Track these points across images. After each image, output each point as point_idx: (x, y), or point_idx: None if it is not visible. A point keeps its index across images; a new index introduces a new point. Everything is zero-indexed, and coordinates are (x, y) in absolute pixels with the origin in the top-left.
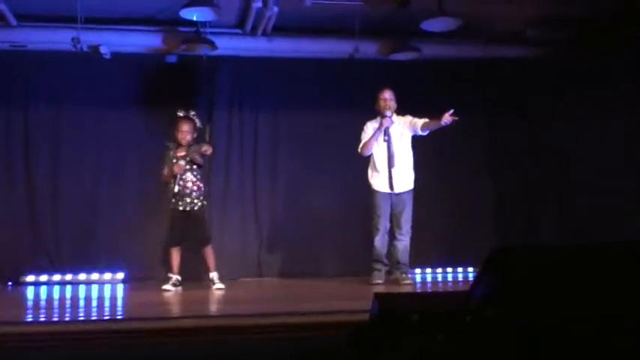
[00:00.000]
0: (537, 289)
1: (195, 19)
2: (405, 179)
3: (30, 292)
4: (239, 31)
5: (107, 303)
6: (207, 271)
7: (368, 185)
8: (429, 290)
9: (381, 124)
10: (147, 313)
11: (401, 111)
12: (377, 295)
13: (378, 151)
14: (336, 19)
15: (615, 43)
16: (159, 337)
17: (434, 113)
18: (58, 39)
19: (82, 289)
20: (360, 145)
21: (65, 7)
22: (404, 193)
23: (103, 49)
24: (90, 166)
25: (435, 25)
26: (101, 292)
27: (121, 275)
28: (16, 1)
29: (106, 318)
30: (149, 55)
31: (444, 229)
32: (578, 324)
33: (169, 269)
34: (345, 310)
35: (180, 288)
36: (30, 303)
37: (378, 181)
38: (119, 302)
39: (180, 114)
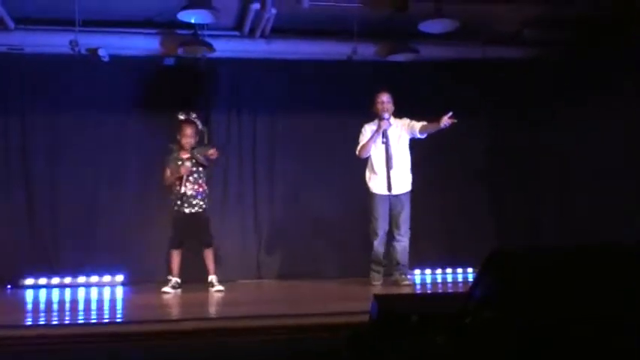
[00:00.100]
0: (537, 290)
1: (193, 21)
2: (403, 181)
3: (29, 295)
4: (237, 33)
5: (106, 306)
6: (207, 273)
7: (366, 188)
8: (429, 291)
9: (379, 127)
10: (146, 315)
11: (400, 112)
12: (376, 297)
13: (376, 153)
14: (334, 21)
15: (615, 43)
16: (158, 340)
17: (432, 114)
18: (56, 42)
19: (81, 291)
20: (358, 147)
21: (63, 9)
22: (402, 194)
23: (101, 52)
24: (88, 169)
25: (432, 26)
26: (100, 294)
27: (120, 278)
28: (13, 3)
29: (105, 321)
30: (147, 58)
31: (443, 229)
32: (579, 325)
33: (169, 271)
34: (344, 311)
35: (179, 290)
36: (29, 306)
37: (376, 183)
38: (118, 305)
39: (182, 117)
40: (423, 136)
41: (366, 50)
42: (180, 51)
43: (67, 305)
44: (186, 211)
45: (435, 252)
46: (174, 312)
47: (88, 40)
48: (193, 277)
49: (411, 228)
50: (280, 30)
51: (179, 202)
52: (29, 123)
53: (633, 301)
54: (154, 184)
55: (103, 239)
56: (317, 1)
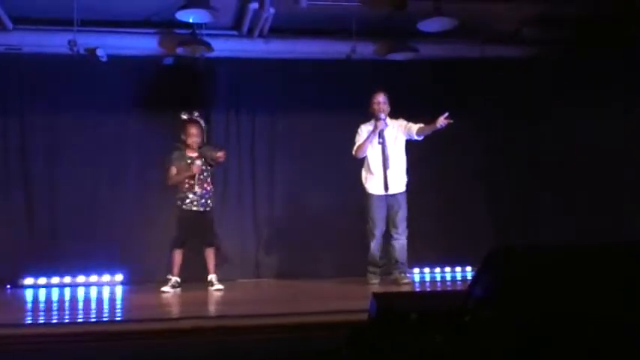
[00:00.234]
0: (537, 289)
1: (191, 21)
2: (399, 181)
3: (29, 294)
4: (235, 32)
5: (106, 305)
6: (207, 272)
7: (362, 189)
8: (428, 290)
9: (375, 127)
10: (146, 314)
11: (399, 111)
12: (375, 295)
13: (372, 154)
14: (332, 20)
15: (614, 43)
16: (158, 339)
17: (431, 113)
18: (54, 42)
19: (80, 291)
20: (355, 147)
21: (61, 9)
22: (399, 194)
23: (99, 52)
24: (88, 169)
25: (431, 25)
26: (100, 294)
27: (119, 277)
28: (11, 3)
29: (104, 320)
30: (146, 58)
31: (442, 228)
32: (578, 324)
33: (169, 270)
34: (343, 310)
35: (179, 289)
36: (29, 305)
37: (372, 184)
38: (118, 304)
39: (185, 117)
40: (420, 138)
41: (365, 49)
42: (178, 50)
43: (67, 304)
44: (195, 209)
45: (434, 252)
46: (174, 311)
47: (87, 40)
48: (193, 277)
49: (409, 227)
50: (279, 29)
51: (188, 201)
52: (28, 123)
53: (633, 301)
54: (153, 184)
55: (103, 239)
56: (315, 1)
